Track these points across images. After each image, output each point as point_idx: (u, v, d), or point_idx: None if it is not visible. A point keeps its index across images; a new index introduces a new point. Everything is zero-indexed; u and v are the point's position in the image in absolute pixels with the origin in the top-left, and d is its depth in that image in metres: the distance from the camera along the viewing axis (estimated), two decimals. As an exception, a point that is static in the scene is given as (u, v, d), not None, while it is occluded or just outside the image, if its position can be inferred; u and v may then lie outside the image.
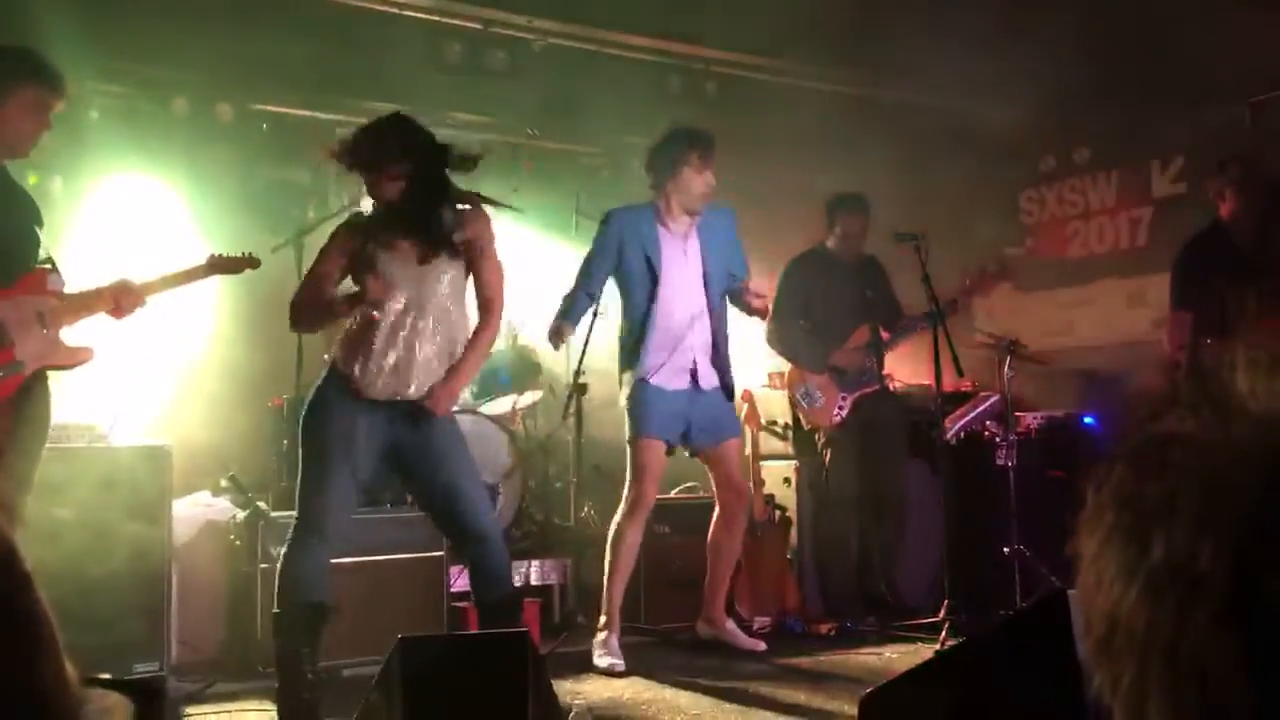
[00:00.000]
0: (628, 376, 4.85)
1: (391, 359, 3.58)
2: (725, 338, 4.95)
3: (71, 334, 3.74)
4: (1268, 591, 0.53)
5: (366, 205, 3.86)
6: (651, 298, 4.80)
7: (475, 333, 3.78)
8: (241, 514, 4.91)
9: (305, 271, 3.78)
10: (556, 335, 4.87)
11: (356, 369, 3.59)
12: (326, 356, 3.76)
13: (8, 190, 3.68)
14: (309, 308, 3.73)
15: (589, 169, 7.47)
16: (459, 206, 3.72)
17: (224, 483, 5.29)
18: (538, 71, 6.33)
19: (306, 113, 6.54)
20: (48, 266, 3.69)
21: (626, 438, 4.85)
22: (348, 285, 3.74)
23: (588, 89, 6.42)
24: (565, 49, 6.33)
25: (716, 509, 5.03)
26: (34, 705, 0.51)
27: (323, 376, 3.72)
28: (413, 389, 3.61)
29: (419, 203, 3.63)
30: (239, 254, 4.10)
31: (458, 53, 6.08)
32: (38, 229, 3.71)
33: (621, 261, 4.85)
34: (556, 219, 7.10)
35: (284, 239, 5.46)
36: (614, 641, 4.76)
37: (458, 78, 6.15)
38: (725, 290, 4.94)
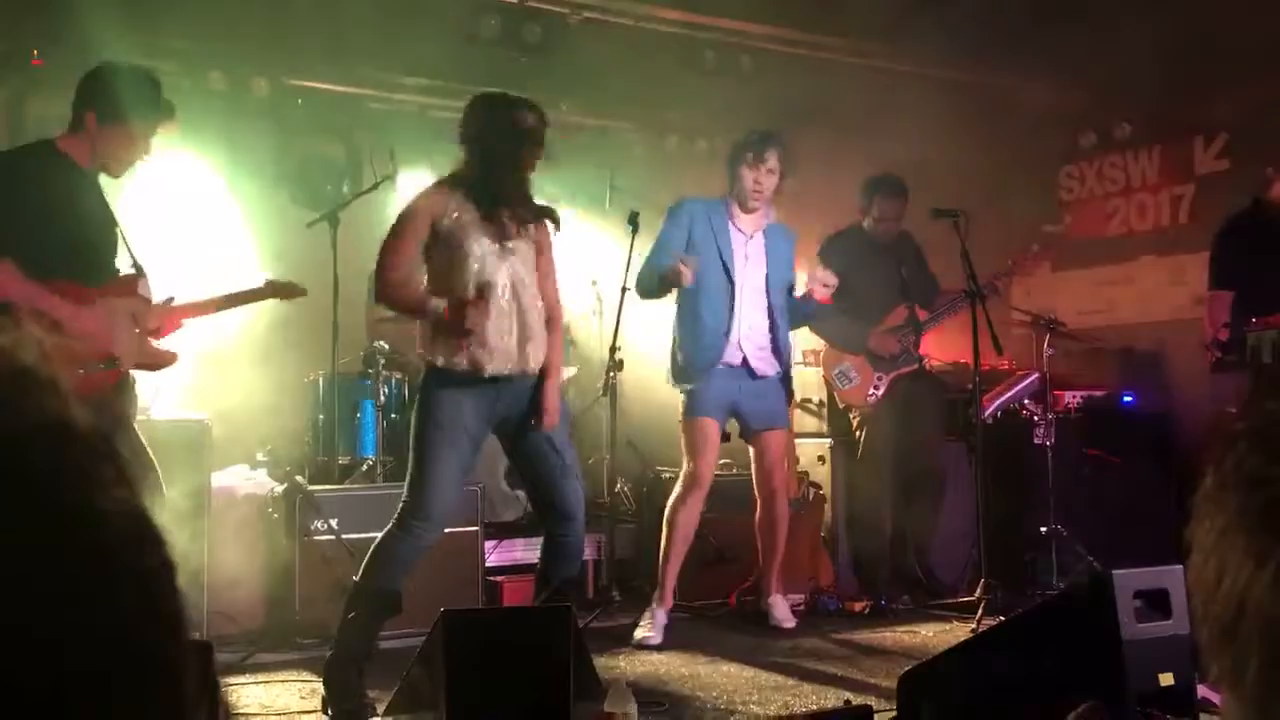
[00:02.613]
0: (697, 366, 4.85)
1: (495, 338, 3.62)
2: (786, 336, 5.02)
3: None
4: None
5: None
6: (730, 302, 4.85)
7: (550, 345, 3.81)
8: (279, 488, 4.94)
9: (383, 246, 3.74)
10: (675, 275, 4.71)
11: (460, 355, 3.63)
12: (420, 352, 3.81)
13: (98, 196, 3.77)
14: (399, 295, 3.74)
15: (623, 144, 7.43)
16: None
17: (261, 456, 5.33)
18: (573, 46, 6.29)
19: (341, 88, 6.54)
20: (134, 272, 3.81)
21: (680, 416, 4.91)
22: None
23: (622, 63, 6.38)
24: (600, 23, 6.30)
25: (757, 494, 5.08)
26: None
27: (426, 371, 3.76)
28: (514, 364, 3.67)
29: (497, 180, 3.71)
30: (289, 281, 4.36)
31: (494, 27, 6.05)
32: (119, 231, 3.82)
33: (690, 250, 4.85)
34: (590, 194, 7.08)
35: (319, 214, 5.46)
36: (660, 616, 4.80)
37: (493, 52, 6.13)
38: (788, 294, 5.02)
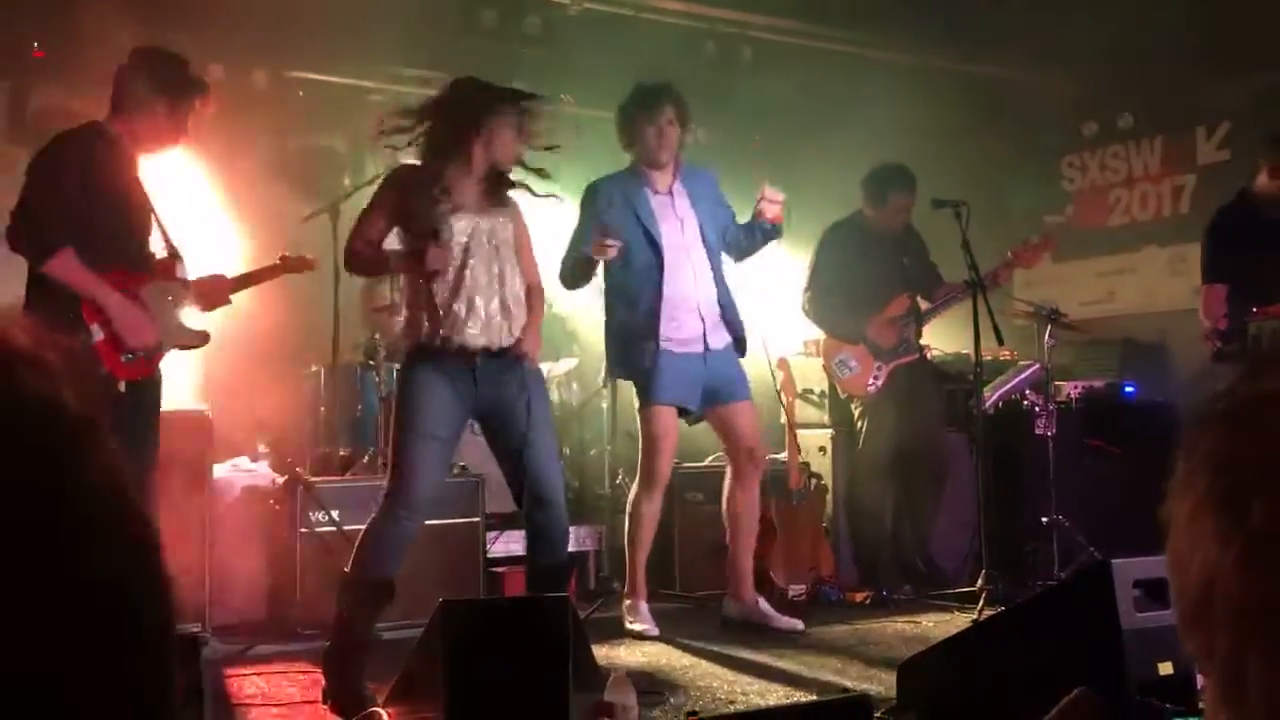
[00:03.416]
0: (638, 345, 4.61)
1: (465, 312, 3.61)
2: (729, 292, 4.74)
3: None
4: None
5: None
6: (658, 267, 4.59)
7: (529, 319, 3.77)
8: (280, 479, 4.94)
9: (358, 220, 3.81)
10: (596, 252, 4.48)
11: (433, 333, 3.62)
12: (375, 339, 3.85)
13: (138, 178, 3.82)
14: (365, 259, 3.79)
15: (624, 136, 7.41)
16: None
17: (262, 448, 5.33)
18: (573, 37, 6.28)
19: (341, 79, 6.53)
20: (168, 254, 3.88)
21: (636, 407, 4.70)
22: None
23: (623, 55, 6.36)
24: (600, 14, 6.28)
25: (729, 474, 4.79)
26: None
27: (404, 355, 3.77)
28: (488, 338, 3.64)
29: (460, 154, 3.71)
30: (300, 255, 4.46)
31: (492, 18, 6.05)
32: (155, 214, 3.89)
33: (611, 233, 4.58)
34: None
35: (319, 206, 5.46)
36: (643, 607, 4.74)
37: (492, 44, 6.12)
38: (725, 245, 4.80)
